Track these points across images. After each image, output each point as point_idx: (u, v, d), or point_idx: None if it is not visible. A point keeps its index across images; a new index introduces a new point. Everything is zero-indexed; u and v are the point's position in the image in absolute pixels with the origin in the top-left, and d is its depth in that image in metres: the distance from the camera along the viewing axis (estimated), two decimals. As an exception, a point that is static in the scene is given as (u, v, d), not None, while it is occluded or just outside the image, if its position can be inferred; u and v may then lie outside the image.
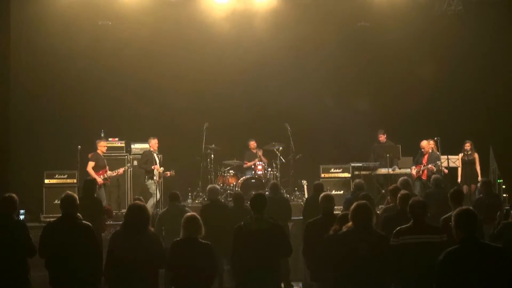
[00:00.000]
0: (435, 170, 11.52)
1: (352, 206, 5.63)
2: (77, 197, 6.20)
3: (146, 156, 11.54)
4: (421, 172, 11.85)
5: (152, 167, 11.34)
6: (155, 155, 11.60)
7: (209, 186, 9.30)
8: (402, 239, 5.70)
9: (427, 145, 11.96)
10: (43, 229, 6.16)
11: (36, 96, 12.41)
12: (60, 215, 6.17)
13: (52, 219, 6.79)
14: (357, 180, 9.82)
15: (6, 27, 11.56)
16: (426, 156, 11.93)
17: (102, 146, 11.37)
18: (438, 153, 11.79)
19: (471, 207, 5.16)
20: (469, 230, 4.45)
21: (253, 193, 6.65)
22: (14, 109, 12.00)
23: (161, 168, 11.48)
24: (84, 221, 6.10)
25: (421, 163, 11.93)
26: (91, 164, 11.07)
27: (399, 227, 5.86)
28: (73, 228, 5.96)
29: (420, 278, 5.49)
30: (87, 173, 10.88)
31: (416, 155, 12.25)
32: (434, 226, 6.01)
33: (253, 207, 6.07)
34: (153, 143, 11.60)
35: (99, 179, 10.72)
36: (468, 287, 4.29)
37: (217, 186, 9.40)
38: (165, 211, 8.45)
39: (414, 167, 12.00)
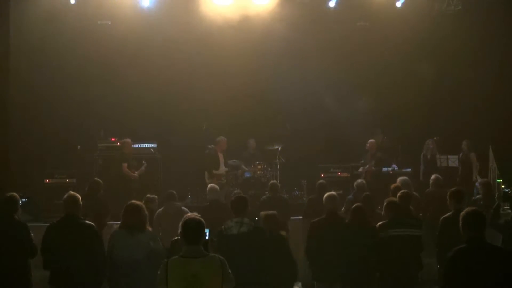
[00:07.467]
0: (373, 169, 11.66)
1: (352, 207, 5.75)
2: (79, 197, 6.21)
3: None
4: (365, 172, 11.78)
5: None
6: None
7: (209, 185, 9.27)
8: (390, 232, 6.27)
9: (370, 144, 12.04)
10: (46, 229, 6.16)
11: (36, 96, 12.40)
12: (60, 214, 6.18)
13: (51, 219, 6.79)
14: (358, 181, 9.81)
15: (6, 27, 11.53)
16: (370, 156, 11.95)
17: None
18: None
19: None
20: (476, 230, 4.53)
21: (236, 195, 6.67)
22: (14, 108, 11.97)
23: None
24: (87, 221, 6.11)
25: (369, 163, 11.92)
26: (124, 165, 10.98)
27: (381, 222, 6.34)
28: (76, 228, 5.97)
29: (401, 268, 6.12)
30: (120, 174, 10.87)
31: (415, 154, 12.24)
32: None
33: (234, 210, 6.01)
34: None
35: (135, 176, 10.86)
36: (473, 286, 4.38)
37: (217, 186, 9.35)
38: (162, 210, 8.41)
39: (362, 168, 11.89)
